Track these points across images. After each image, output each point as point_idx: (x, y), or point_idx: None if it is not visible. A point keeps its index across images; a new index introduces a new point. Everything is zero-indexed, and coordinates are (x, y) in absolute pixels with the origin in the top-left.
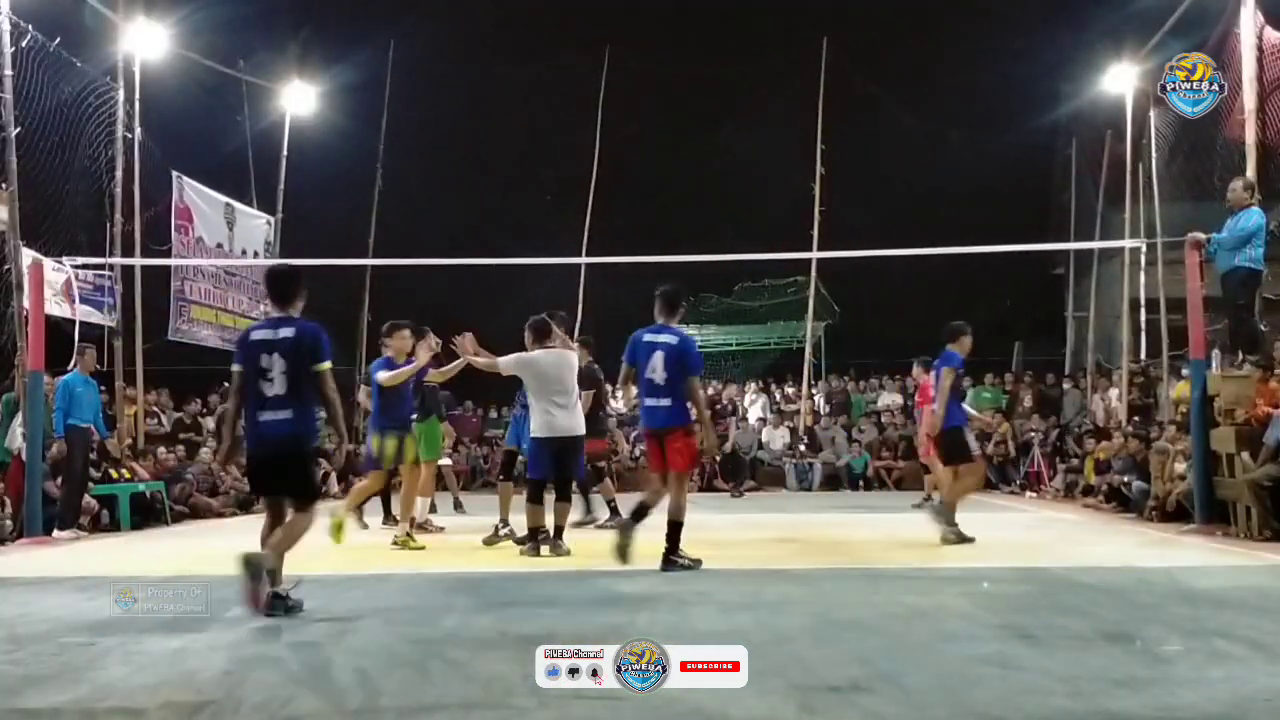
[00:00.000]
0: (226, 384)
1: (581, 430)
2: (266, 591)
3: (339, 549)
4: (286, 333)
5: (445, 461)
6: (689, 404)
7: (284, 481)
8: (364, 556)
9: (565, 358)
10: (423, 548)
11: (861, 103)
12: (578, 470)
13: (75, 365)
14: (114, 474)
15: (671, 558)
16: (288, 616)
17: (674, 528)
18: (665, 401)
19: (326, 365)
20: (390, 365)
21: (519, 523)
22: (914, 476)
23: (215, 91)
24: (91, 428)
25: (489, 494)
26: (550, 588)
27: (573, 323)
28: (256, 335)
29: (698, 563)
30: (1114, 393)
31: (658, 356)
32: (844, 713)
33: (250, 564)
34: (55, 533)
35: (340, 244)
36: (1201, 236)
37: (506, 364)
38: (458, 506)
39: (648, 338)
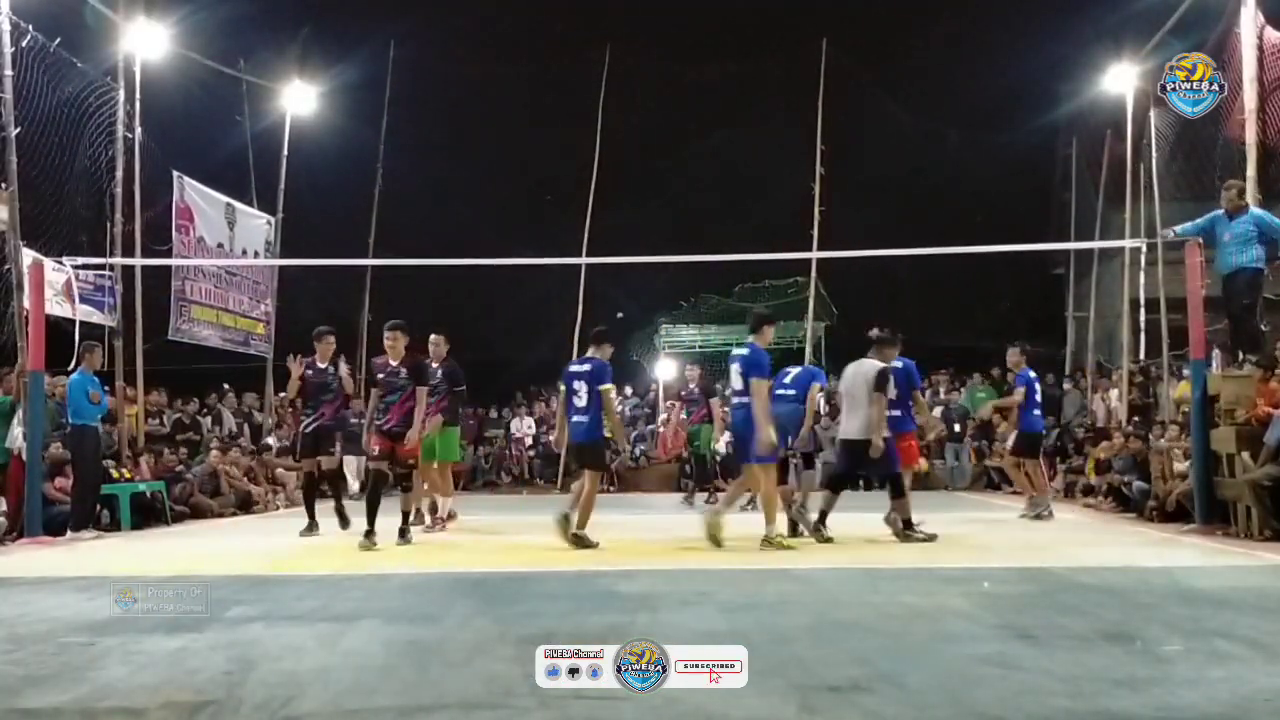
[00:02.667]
0: (226, 385)
1: (854, 435)
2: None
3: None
4: (587, 367)
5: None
6: (914, 413)
7: (584, 458)
8: (364, 557)
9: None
10: (792, 548)
11: (861, 103)
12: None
13: (83, 364)
14: (114, 474)
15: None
16: (588, 549)
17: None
18: (896, 412)
19: (609, 386)
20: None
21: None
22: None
23: (215, 91)
24: (99, 427)
25: (485, 493)
26: (550, 588)
27: (572, 323)
28: (572, 368)
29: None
30: (1114, 393)
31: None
32: (844, 713)
33: (579, 540)
34: (75, 533)
35: (340, 244)
36: (1169, 234)
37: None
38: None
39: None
